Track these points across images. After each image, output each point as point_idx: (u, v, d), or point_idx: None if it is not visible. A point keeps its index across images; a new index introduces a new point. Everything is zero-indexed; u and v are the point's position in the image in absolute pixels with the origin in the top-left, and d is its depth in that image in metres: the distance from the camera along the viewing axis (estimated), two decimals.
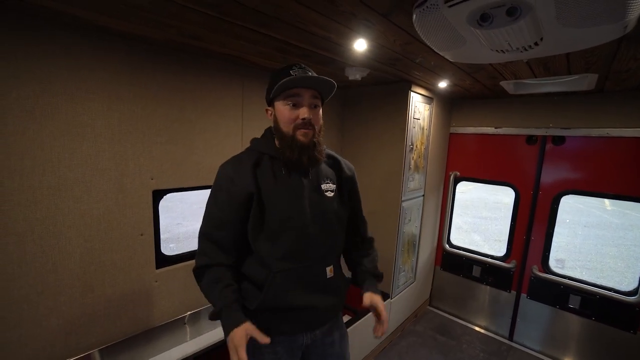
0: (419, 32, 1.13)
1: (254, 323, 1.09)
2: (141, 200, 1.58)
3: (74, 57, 1.29)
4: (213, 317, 1.03)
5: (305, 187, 1.10)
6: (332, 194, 1.17)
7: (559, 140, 2.50)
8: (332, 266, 1.15)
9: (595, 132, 2.32)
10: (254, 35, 1.34)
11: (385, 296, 2.56)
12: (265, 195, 1.06)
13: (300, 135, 1.05)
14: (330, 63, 1.78)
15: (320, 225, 1.10)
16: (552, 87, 2.12)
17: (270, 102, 1.12)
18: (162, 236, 1.75)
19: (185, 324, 1.85)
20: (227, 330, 0.99)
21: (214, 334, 1.95)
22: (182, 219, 7.67)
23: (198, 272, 1.09)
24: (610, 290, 2.31)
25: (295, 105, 1.05)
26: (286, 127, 1.06)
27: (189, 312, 1.86)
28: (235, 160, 1.13)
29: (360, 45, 1.43)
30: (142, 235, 1.60)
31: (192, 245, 5.91)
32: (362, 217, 1.34)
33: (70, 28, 1.26)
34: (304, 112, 1.04)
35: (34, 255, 1.28)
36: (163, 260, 1.73)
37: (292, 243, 1.06)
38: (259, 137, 1.19)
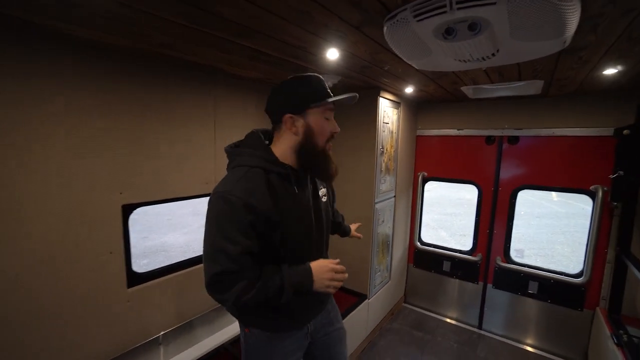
0: (389, 43, 1.20)
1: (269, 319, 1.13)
2: (110, 216, 1.49)
3: (31, 65, 1.19)
4: (294, 290, 0.97)
5: (310, 196, 1.16)
6: (326, 197, 1.26)
7: (513, 139, 2.74)
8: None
9: (544, 132, 2.57)
10: (228, 44, 1.33)
11: (362, 297, 2.62)
12: (285, 214, 1.03)
13: (329, 148, 1.13)
14: (302, 71, 1.81)
15: (319, 228, 1.18)
16: (505, 92, 2.32)
17: (299, 111, 1.04)
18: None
19: (159, 344, 1.76)
20: (308, 279, 1.00)
21: (190, 353, 1.87)
22: (148, 232, 7.25)
23: (240, 298, 0.93)
24: (561, 274, 2.56)
25: (328, 120, 1.10)
26: (322, 141, 1.09)
27: (162, 332, 1.77)
28: (242, 182, 0.98)
29: (332, 54, 1.47)
30: (111, 253, 1.50)
31: (160, 260, 5.60)
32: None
33: (26, 35, 1.17)
34: (336, 127, 1.12)
35: None
36: (135, 278, 1.63)
37: (305, 248, 1.12)
38: (239, 147, 1.10)
